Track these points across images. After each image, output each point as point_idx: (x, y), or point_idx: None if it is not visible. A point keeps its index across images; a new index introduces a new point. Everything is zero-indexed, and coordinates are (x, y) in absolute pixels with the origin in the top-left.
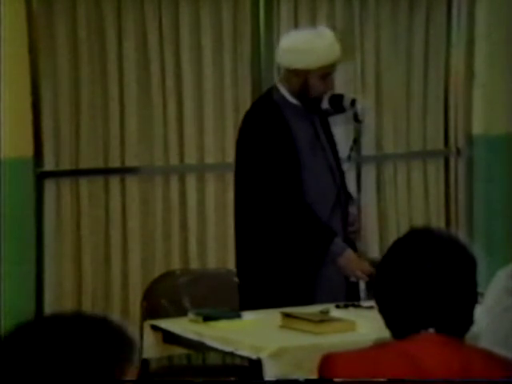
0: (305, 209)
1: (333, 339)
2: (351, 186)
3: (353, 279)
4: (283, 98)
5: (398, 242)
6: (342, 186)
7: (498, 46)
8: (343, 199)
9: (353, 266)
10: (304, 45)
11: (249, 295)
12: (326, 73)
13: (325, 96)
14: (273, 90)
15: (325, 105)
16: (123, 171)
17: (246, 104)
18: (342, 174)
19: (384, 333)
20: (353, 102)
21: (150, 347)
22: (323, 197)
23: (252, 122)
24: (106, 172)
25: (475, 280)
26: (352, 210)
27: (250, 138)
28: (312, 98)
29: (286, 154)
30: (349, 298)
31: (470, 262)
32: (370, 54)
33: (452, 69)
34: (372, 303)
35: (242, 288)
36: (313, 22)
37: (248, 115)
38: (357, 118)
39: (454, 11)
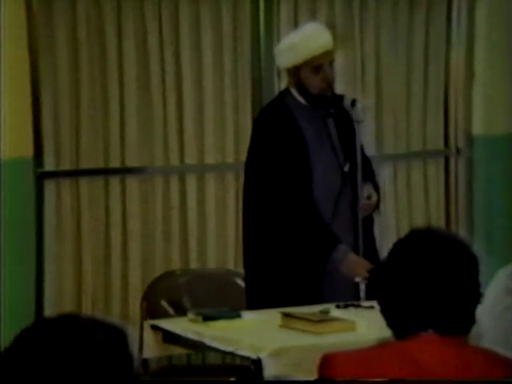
0: (311, 212)
1: (333, 339)
2: None
3: (358, 280)
4: (294, 99)
5: (400, 243)
6: (353, 187)
7: (498, 46)
8: (350, 198)
9: (356, 270)
10: (283, 44)
11: (255, 295)
12: (317, 65)
13: (329, 92)
14: (285, 92)
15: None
16: (123, 171)
17: (246, 104)
18: (354, 175)
19: (384, 333)
20: (353, 103)
21: (150, 347)
22: (330, 195)
23: (262, 126)
24: (106, 172)
25: (477, 280)
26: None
27: (260, 141)
28: (316, 95)
29: (295, 156)
30: (349, 297)
31: (472, 262)
32: (369, 54)
33: (452, 69)
34: (372, 303)
35: (249, 288)
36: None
37: (258, 119)
38: (357, 119)
39: (454, 11)
